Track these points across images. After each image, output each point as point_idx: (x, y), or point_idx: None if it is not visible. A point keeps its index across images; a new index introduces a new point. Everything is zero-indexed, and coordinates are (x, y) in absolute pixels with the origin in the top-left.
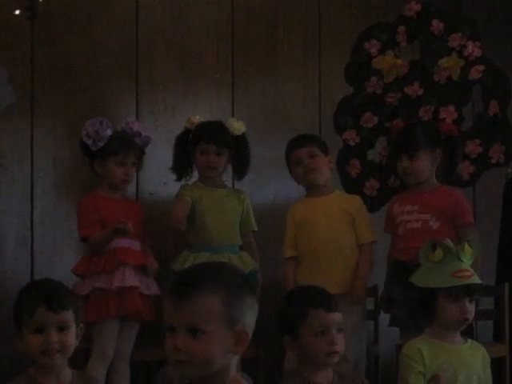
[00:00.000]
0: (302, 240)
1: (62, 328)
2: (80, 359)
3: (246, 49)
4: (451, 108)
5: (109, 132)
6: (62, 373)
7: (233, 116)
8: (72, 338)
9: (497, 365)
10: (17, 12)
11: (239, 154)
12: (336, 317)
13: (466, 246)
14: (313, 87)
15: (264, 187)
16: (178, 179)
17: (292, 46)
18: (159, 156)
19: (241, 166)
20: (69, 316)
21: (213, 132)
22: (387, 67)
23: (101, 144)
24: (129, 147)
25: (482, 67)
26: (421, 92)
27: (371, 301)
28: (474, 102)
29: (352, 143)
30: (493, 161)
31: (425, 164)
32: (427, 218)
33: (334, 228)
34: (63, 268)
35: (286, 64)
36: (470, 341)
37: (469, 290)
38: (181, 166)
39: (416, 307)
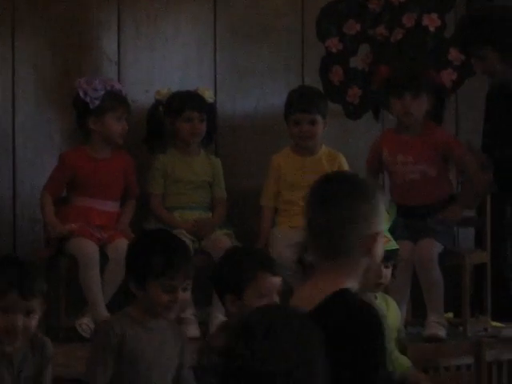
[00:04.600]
0: (282, 194)
1: (28, 312)
2: None
3: None
4: (434, 15)
5: (102, 91)
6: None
7: (215, 24)
8: (36, 322)
9: (478, 271)
10: None
11: (210, 121)
12: (279, 281)
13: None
14: None
15: (246, 95)
16: (151, 152)
17: None
18: (141, 64)
19: (210, 133)
20: (37, 302)
21: (196, 100)
22: None
23: (98, 102)
24: (125, 103)
25: None
26: None
27: None
28: (456, 9)
29: (334, 50)
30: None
31: (425, 106)
32: (424, 169)
33: None
34: (45, 176)
35: None
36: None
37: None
38: (155, 139)
39: None
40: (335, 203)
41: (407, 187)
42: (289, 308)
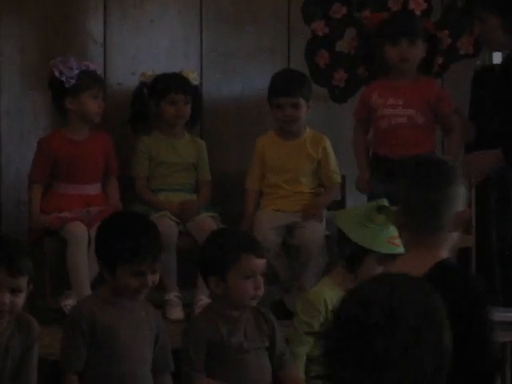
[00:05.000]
0: (267, 177)
1: (15, 290)
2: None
3: None
4: None
5: (77, 70)
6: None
7: (201, 7)
8: (22, 300)
9: (464, 255)
10: None
11: (194, 103)
12: (264, 263)
13: None
14: None
15: (232, 78)
16: (135, 132)
17: None
18: (126, 46)
19: (195, 115)
20: (24, 280)
21: (181, 82)
22: None
23: (73, 81)
24: (100, 81)
25: None
26: None
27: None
28: None
29: (321, 34)
30: (461, 52)
31: (421, 53)
32: (412, 114)
33: (298, 173)
34: (30, 159)
35: None
36: None
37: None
38: (139, 120)
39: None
40: (433, 186)
41: (392, 133)
42: (407, 275)
